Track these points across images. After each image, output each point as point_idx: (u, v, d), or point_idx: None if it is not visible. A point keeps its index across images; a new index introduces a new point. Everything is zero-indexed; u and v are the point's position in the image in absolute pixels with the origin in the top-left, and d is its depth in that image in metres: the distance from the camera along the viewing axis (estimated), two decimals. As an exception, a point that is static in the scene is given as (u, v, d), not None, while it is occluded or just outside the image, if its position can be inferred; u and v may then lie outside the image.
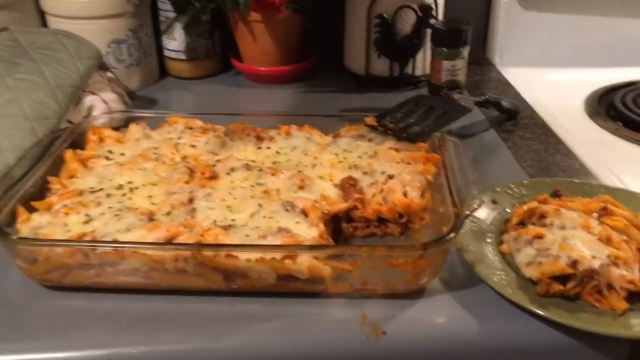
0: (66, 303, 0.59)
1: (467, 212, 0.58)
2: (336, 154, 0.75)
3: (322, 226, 0.62)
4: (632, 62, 1.16)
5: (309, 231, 0.61)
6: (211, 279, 0.58)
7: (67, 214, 0.62)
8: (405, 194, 0.67)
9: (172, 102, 1.05)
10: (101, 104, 0.87)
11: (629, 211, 0.63)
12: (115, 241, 0.57)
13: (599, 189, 0.71)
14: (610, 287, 0.55)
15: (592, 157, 0.84)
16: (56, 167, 0.71)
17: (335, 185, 0.69)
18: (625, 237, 0.58)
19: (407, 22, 1.02)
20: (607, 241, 0.57)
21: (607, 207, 0.63)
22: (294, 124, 0.81)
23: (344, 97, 1.05)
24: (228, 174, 0.70)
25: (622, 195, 0.69)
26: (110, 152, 0.75)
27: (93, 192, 0.66)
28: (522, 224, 0.64)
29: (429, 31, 1.01)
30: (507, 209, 0.69)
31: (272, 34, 1.05)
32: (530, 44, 1.17)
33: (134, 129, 0.79)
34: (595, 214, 0.62)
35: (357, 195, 0.67)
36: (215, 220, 0.62)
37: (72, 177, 0.70)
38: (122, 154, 0.74)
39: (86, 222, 0.61)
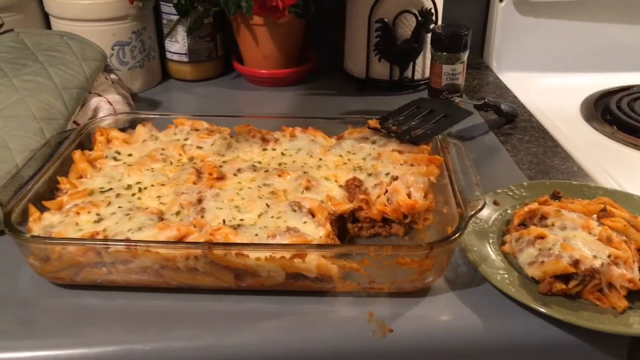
0: (77, 301, 0.60)
1: (472, 213, 0.60)
2: (340, 156, 0.76)
3: (328, 226, 0.63)
4: (627, 67, 1.19)
5: (316, 231, 0.62)
6: (221, 277, 0.59)
7: (78, 213, 0.63)
8: (409, 195, 0.69)
9: (174, 104, 1.06)
10: (107, 105, 0.88)
11: (627, 212, 0.65)
12: (128, 240, 0.58)
13: (597, 191, 0.73)
14: (610, 285, 0.57)
15: (589, 160, 0.86)
16: (65, 168, 0.72)
17: (341, 186, 0.70)
18: (624, 238, 0.60)
19: (407, 26, 1.04)
20: (607, 241, 0.59)
21: (607, 209, 0.64)
22: (298, 126, 0.82)
23: (344, 100, 1.07)
24: (235, 174, 0.71)
25: (620, 197, 0.71)
26: (118, 152, 0.76)
27: (103, 192, 0.67)
28: (523, 224, 0.66)
29: (429, 36, 1.02)
30: (508, 210, 0.70)
31: (274, 38, 1.06)
32: (527, 49, 1.19)
33: (141, 130, 0.80)
34: (595, 215, 0.64)
35: (362, 196, 0.68)
36: (224, 219, 0.63)
37: (81, 177, 0.71)
38: (130, 155, 0.75)
39: (97, 221, 0.62)
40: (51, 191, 0.68)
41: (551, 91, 1.13)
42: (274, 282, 0.59)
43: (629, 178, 0.82)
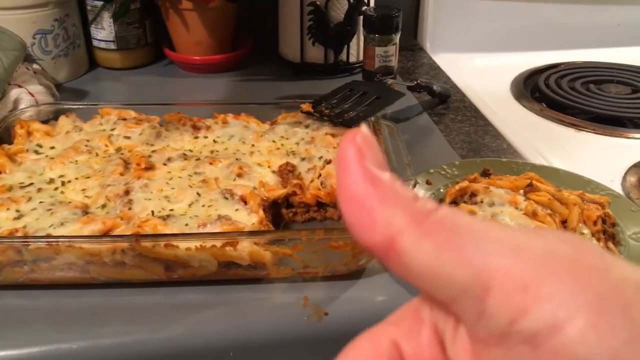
0: (-1, 302, 0.57)
1: (402, 193, 0.60)
2: (274, 141, 0.75)
3: (261, 213, 0.62)
4: (554, 46, 1.22)
5: (249, 218, 0.61)
6: (151, 270, 0.57)
7: (-4, 210, 0.60)
8: (342, 178, 0.68)
9: (103, 93, 1.02)
10: (28, 96, 0.84)
11: (552, 186, 0.67)
12: (49, 236, 0.56)
13: (525, 167, 0.75)
14: (537, 258, 0.58)
15: (518, 137, 0.88)
16: (-18, 163, 0.68)
17: (274, 172, 0.69)
18: (549, 211, 0.62)
19: (339, 9, 1.03)
20: (533, 215, 0.60)
21: (533, 184, 0.66)
22: (231, 112, 0.80)
23: (279, 85, 1.06)
24: (165, 164, 0.69)
25: (547, 172, 0.72)
26: (40, 145, 0.72)
27: (23, 187, 0.64)
28: (455, 202, 0.67)
29: (361, 18, 1.02)
30: (440, 189, 0.71)
31: (205, 23, 1.04)
32: (460, 30, 1.21)
33: (64, 122, 0.76)
34: (521, 191, 0.65)
35: (295, 181, 0.68)
36: (153, 210, 0.61)
37: (-1, 173, 0.67)
38: (53, 148, 0.72)
39: (17, 218, 0.59)
40: (-33, 189, 0.65)
41: (483, 71, 1.15)
42: (206, 272, 0.58)
43: (557, 153, 0.84)
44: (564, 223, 0.62)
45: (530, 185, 0.66)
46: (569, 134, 0.92)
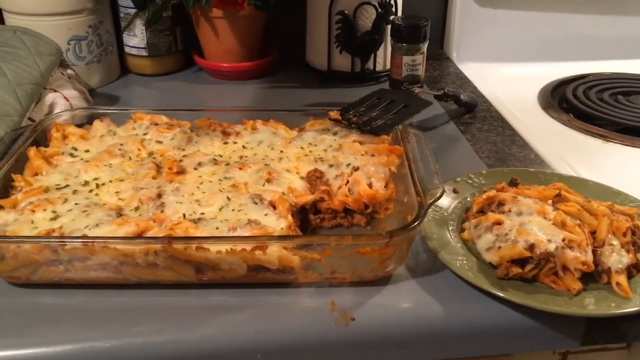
0: (35, 300, 0.59)
1: (430, 201, 0.60)
2: (302, 148, 0.76)
3: (290, 218, 0.63)
4: (582, 57, 1.21)
5: (278, 223, 0.62)
6: (182, 271, 0.58)
7: (33, 211, 0.61)
8: (370, 185, 0.69)
9: (133, 99, 1.04)
10: (63, 101, 0.86)
11: (581, 197, 0.67)
12: (85, 236, 0.57)
13: (553, 177, 0.74)
14: (565, 268, 0.58)
15: (546, 147, 0.88)
16: (20, 165, 0.70)
17: (302, 178, 0.70)
18: (578, 222, 0.62)
19: (367, 18, 1.04)
20: (562, 225, 0.60)
21: (561, 194, 0.66)
22: (259, 119, 0.82)
23: (306, 93, 1.07)
24: (195, 168, 0.71)
25: (575, 183, 0.72)
26: (75, 149, 0.74)
27: (59, 188, 0.66)
28: (481, 211, 0.67)
29: (389, 27, 1.03)
30: (467, 198, 0.71)
31: (234, 31, 1.06)
32: (486, 39, 1.21)
33: (98, 126, 0.78)
34: (550, 201, 0.65)
35: (323, 187, 0.68)
36: (185, 214, 0.62)
37: (36, 174, 0.69)
38: (87, 151, 0.74)
39: (53, 219, 0.61)
40: (6, 189, 0.67)
41: (509, 81, 1.15)
42: (235, 275, 0.59)
43: (584, 164, 0.84)
44: (593, 234, 0.61)
45: (558, 195, 0.66)
46: (596, 145, 0.92)
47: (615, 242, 0.60)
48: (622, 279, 0.58)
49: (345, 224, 0.69)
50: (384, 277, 0.61)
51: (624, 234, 0.61)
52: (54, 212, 0.62)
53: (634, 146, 0.90)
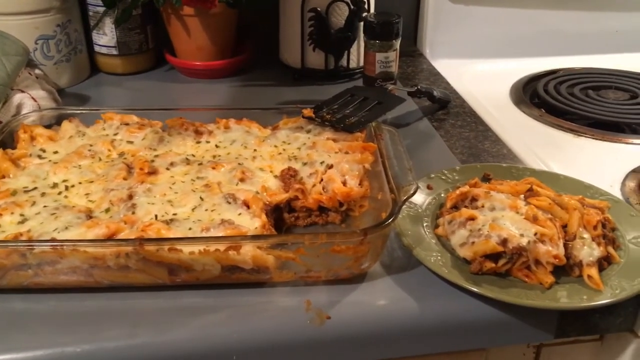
0: (3, 305, 0.57)
1: (404, 198, 0.61)
2: (275, 146, 0.76)
3: (264, 217, 0.62)
4: (553, 52, 1.23)
5: (252, 222, 0.61)
6: (155, 273, 0.57)
7: (0, 214, 0.60)
8: (344, 183, 0.69)
9: (104, 98, 1.02)
10: (30, 101, 0.84)
11: (552, 191, 0.68)
12: (53, 239, 0.56)
13: (525, 172, 0.75)
14: (537, 262, 0.59)
15: (518, 143, 0.89)
16: (-15, 168, 0.69)
17: (276, 177, 0.70)
18: (549, 216, 0.62)
19: (340, 15, 1.04)
20: (534, 220, 0.61)
21: (533, 189, 0.67)
22: (232, 117, 0.81)
23: (280, 91, 1.06)
24: (168, 169, 0.70)
25: (546, 177, 0.73)
26: (43, 150, 0.73)
27: (27, 191, 0.65)
28: (455, 207, 0.67)
29: (362, 24, 1.03)
30: (441, 194, 0.71)
31: (205, 28, 1.04)
32: (459, 36, 1.21)
33: (67, 127, 0.77)
34: (522, 195, 0.66)
35: (297, 186, 0.68)
36: (157, 215, 0.61)
37: (3, 177, 0.68)
38: (56, 152, 0.73)
39: (21, 222, 0.60)
40: (-29, 193, 0.65)
41: (482, 77, 1.16)
42: (209, 275, 0.58)
43: (556, 159, 0.85)
44: (564, 227, 0.62)
45: (530, 190, 0.66)
46: (567, 139, 0.93)
47: (586, 235, 0.61)
48: (594, 271, 0.58)
49: (320, 222, 0.69)
50: (359, 274, 0.61)
51: (595, 227, 0.62)
52: (21, 215, 0.60)
53: (604, 140, 0.92)
